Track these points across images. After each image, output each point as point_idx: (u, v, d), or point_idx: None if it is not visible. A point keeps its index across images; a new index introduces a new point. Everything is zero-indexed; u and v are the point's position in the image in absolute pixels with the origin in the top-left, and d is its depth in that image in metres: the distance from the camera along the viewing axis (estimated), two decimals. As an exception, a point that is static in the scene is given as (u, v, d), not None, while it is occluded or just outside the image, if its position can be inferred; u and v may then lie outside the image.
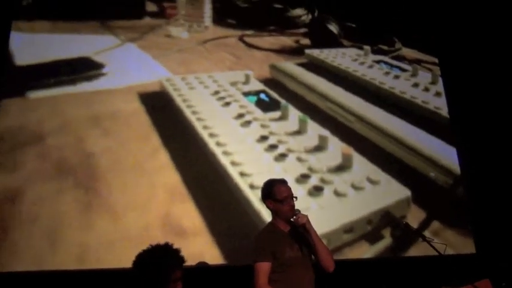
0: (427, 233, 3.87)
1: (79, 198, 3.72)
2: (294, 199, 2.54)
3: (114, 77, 4.38)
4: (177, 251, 2.08)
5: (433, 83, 5.16)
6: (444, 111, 4.91)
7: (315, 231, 2.48)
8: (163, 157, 4.03)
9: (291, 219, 2.51)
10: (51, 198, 3.69)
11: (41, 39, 4.39)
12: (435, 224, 4.21)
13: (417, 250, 4.01)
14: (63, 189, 3.74)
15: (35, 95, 4.12)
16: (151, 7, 4.91)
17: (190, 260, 3.60)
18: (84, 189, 3.77)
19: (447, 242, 3.46)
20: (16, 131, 3.91)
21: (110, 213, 3.69)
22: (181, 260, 2.07)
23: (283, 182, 2.59)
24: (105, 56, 4.46)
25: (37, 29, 4.41)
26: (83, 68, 4.35)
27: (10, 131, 3.90)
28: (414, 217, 4.18)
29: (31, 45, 4.33)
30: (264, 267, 2.42)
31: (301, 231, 2.52)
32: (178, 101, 4.38)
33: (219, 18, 5.02)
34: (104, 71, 4.38)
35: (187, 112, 4.32)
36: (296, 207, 2.52)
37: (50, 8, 4.56)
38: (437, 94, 5.04)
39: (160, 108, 4.31)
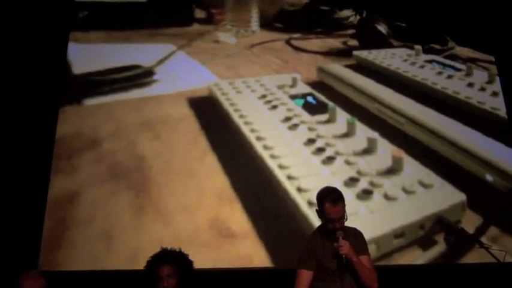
0: (484, 239, 3.70)
1: (131, 201, 3.86)
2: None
3: (164, 83, 4.51)
4: (170, 252, 2.34)
5: (490, 82, 4.94)
6: (502, 112, 4.68)
7: (357, 259, 2.37)
8: (211, 160, 4.10)
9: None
10: (106, 201, 3.84)
11: (96, 48, 4.60)
12: (493, 230, 4.02)
13: (473, 257, 3.83)
14: (117, 192, 3.89)
15: (91, 102, 4.32)
16: (199, 14, 5.03)
17: (238, 262, 3.68)
18: (136, 192, 3.90)
19: (506, 248, 3.28)
20: (73, 136, 4.11)
21: (161, 215, 3.80)
22: (171, 258, 2.29)
23: (334, 201, 2.37)
24: (156, 64, 4.60)
25: (92, 39, 4.63)
26: (135, 76, 4.51)
27: (68, 136, 4.11)
28: (470, 222, 3.99)
29: (87, 55, 4.53)
30: (305, 276, 2.39)
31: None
32: (226, 105, 4.44)
33: (266, 23, 5.05)
34: (154, 78, 4.53)
35: (235, 116, 4.37)
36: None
37: (104, 18, 4.77)
38: (494, 94, 4.82)
39: (209, 112, 4.39)
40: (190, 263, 2.35)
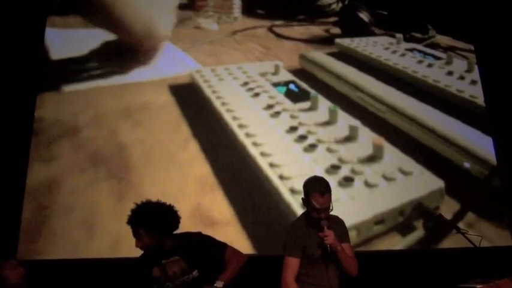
0: (461, 225, 3.78)
1: (112, 189, 3.83)
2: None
3: (145, 69, 4.44)
4: (142, 211, 2.53)
5: (469, 71, 5.00)
6: (480, 100, 4.76)
7: (341, 247, 2.39)
8: (193, 148, 4.08)
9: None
10: (86, 189, 3.81)
11: (75, 34, 4.50)
12: (470, 216, 4.11)
13: (451, 242, 3.92)
14: (97, 180, 3.85)
15: (70, 88, 4.24)
16: (180, -1, 4.94)
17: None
18: (117, 179, 3.87)
19: (482, 234, 3.35)
20: (52, 123, 4.04)
21: (142, 203, 3.77)
22: (140, 218, 2.49)
23: (322, 192, 2.36)
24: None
25: (70, 23, 4.52)
26: (116, 62, 4.43)
27: (46, 124, 4.03)
28: (448, 208, 4.08)
29: (65, 40, 4.43)
30: (292, 263, 2.40)
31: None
32: (208, 92, 4.41)
33: (248, 9, 5.01)
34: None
35: (217, 103, 4.35)
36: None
37: (83, 2, 4.66)
38: (473, 82, 4.89)
39: (191, 100, 4.35)
40: (163, 219, 2.47)
